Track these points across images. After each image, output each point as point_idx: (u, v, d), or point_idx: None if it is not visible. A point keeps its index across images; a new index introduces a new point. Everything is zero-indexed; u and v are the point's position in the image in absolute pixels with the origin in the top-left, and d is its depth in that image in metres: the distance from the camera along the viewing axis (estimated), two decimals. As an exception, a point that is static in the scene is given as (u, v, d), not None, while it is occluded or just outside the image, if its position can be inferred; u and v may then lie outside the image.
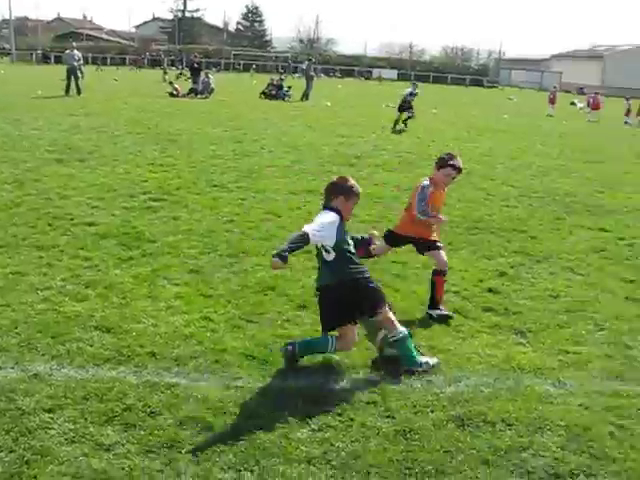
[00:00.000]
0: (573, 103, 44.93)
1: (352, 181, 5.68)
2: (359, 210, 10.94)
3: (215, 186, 12.14)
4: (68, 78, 29.20)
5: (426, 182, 6.85)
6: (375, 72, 79.84)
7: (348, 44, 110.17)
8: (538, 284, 8.10)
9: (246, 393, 5.05)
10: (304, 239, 5.30)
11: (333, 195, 5.66)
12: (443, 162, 6.89)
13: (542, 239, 10.12)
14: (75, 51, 29.96)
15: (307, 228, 5.39)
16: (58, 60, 54.28)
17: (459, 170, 6.94)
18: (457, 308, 7.09)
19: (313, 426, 4.69)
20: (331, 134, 20.62)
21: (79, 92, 29.03)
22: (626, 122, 35.65)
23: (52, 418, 4.57)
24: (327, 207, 5.69)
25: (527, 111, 36.85)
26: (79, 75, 29.12)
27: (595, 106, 37.43)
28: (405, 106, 24.00)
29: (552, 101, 37.89)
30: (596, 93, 40.37)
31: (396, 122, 23.67)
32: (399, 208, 11.15)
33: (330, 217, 5.53)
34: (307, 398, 5.02)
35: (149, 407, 4.78)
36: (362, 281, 5.51)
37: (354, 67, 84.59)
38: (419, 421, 4.83)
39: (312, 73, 35.54)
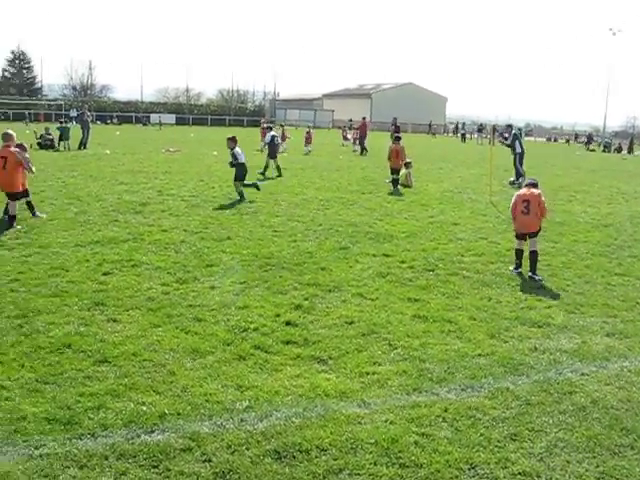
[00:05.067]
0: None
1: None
2: (151, 255, 10.83)
3: (-7, 245, 11.39)
4: None
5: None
6: (154, 117, 79.01)
7: (124, 90, 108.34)
8: (333, 312, 8.45)
9: (52, 460, 4.78)
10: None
11: (233, 143, 17.78)
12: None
13: (331, 269, 10.57)
14: None
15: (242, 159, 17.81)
16: None
17: None
18: (258, 344, 7.22)
19: (129, 482, 4.55)
20: (114, 182, 20.13)
21: None
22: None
23: None
24: (232, 148, 17.75)
25: (302, 148, 38.23)
26: None
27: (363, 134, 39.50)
28: (274, 152, 24.05)
29: (308, 141, 38.03)
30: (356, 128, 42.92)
31: (279, 169, 23.62)
32: (186, 252, 11.19)
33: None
34: (120, 454, 4.87)
35: (-59, 493, 4.38)
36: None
37: (131, 113, 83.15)
38: (236, 460, 4.86)
39: (86, 119, 34.39)
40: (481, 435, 5.41)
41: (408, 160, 22.50)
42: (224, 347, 7.11)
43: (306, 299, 8.95)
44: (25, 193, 13.79)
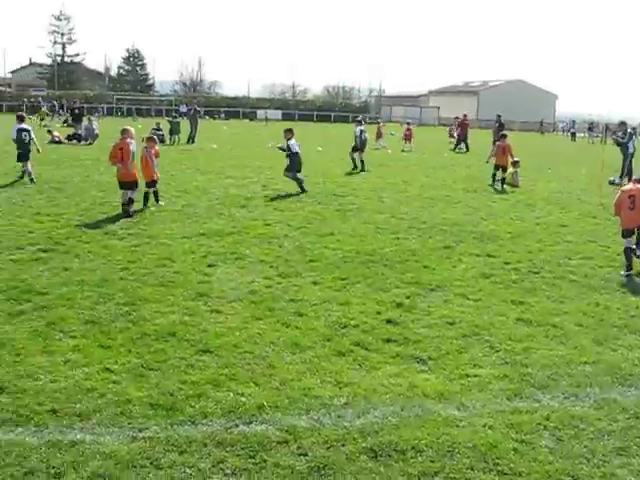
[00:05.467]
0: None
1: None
2: (254, 248, 11.02)
3: (106, 234, 11.88)
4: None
5: None
6: (260, 113, 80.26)
7: (231, 86, 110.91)
8: (434, 312, 8.34)
9: (155, 443, 4.94)
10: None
11: (290, 134, 18.12)
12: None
13: (434, 268, 10.44)
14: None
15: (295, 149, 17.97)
16: None
17: None
18: (358, 341, 7.21)
19: (227, 471, 4.65)
20: (220, 176, 20.63)
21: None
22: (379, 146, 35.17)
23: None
24: (288, 139, 17.99)
25: (403, 145, 37.92)
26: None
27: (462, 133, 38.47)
28: (361, 146, 24.54)
29: (408, 137, 36.81)
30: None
31: (354, 162, 24.30)
32: (289, 246, 11.32)
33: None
34: (218, 443, 4.97)
35: (53, 468, 4.60)
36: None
37: (238, 108, 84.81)
38: (332, 456, 4.87)
39: (195, 114, 35.31)
40: (585, 447, 5.20)
41: (516, 159, 21.94)
42: (324, 342, 7.15)
43: (408, 297, 8.88)
44: (151, 184, 14.64)
